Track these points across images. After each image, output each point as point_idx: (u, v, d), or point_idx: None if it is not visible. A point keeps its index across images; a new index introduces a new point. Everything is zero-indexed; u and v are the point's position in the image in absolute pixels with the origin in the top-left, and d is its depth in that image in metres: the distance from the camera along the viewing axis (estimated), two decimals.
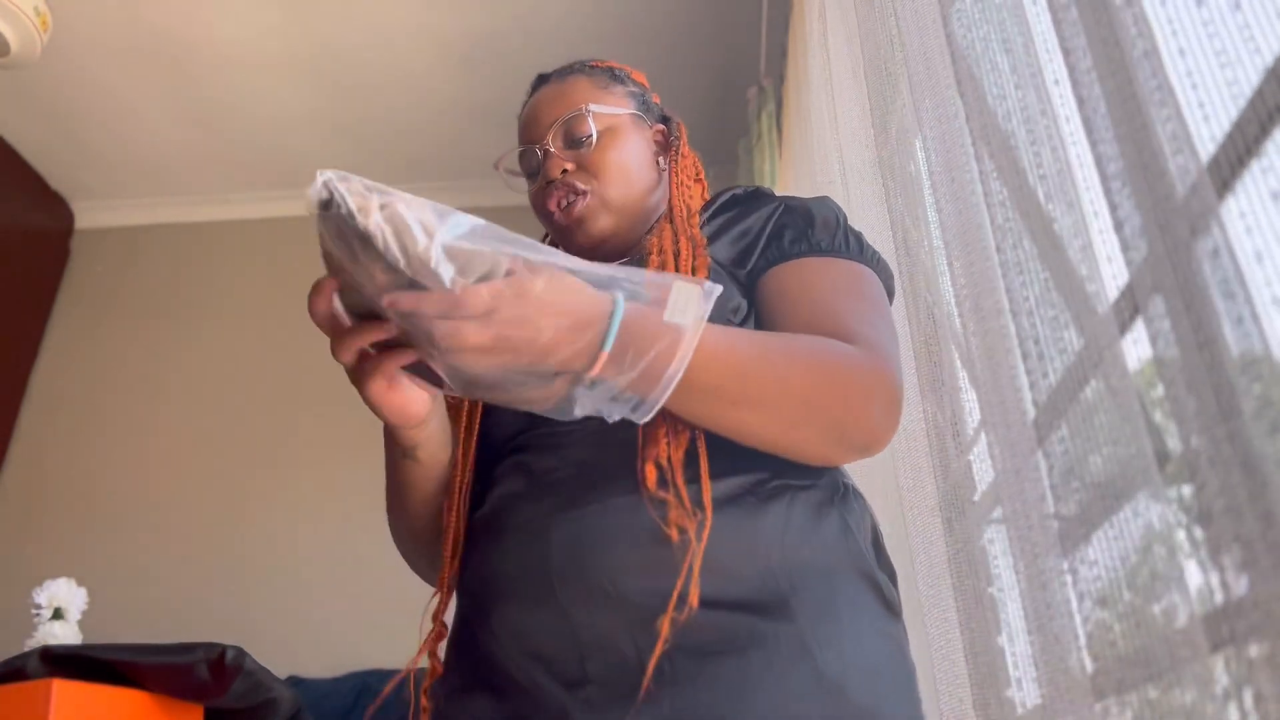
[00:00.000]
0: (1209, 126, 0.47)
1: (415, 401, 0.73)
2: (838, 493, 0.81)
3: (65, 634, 1.80)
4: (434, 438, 0.81)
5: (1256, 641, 0.39)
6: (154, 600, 2.74)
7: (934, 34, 0.80)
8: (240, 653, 0.72)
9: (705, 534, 0.72)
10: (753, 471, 0.78)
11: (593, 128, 0.97)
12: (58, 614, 1.82)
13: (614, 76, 1.05)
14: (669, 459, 0.75)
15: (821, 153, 1.70)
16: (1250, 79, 0.45)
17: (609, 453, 0.80)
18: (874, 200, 1.23)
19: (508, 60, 2.77)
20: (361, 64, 2.80)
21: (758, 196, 1.00)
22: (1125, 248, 0.50)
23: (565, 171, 0.96)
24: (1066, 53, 0.57)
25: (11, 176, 3.12)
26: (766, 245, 0.89)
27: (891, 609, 0.80)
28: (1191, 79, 0.48)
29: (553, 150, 0.98)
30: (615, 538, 0.75)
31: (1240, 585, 0.40)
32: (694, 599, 0.70)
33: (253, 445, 3.01)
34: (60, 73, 2.78)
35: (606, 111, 0.99)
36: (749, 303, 0.87)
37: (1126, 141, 0.50)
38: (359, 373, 0.68)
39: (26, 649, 1.66)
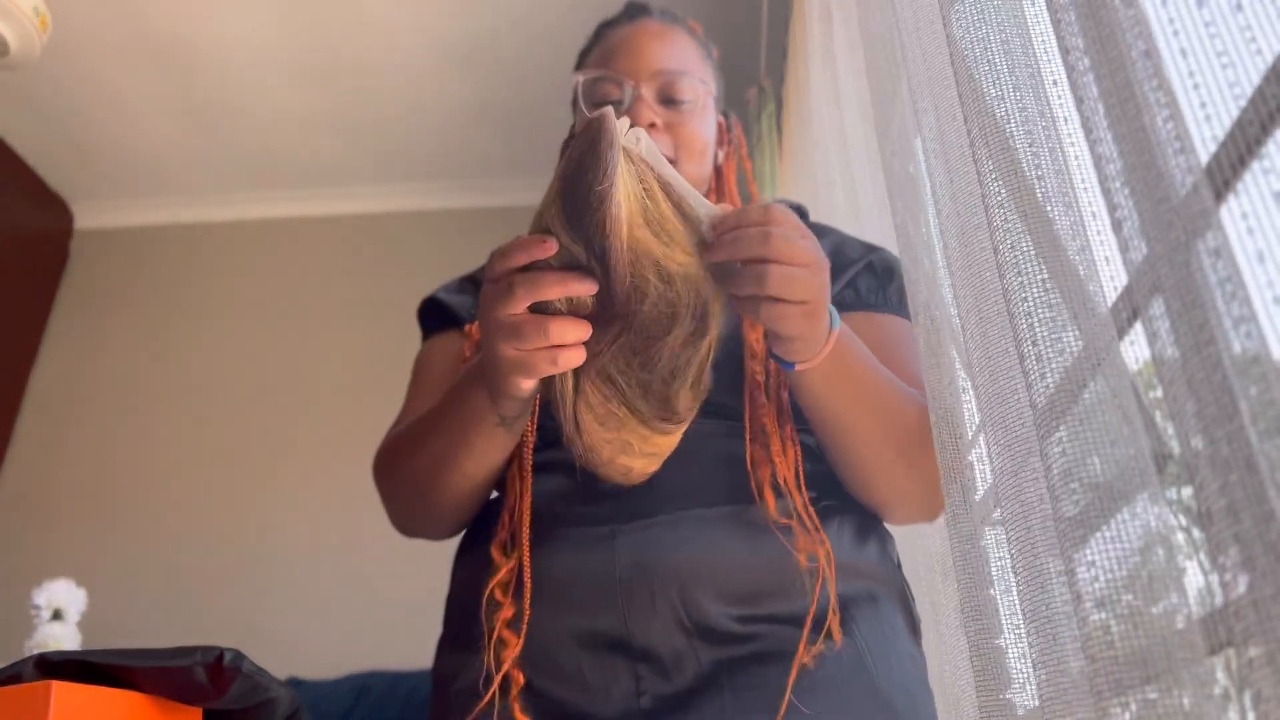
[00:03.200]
0: (1210, 127, 0.47)
1: None
2: (870, 516, 0.82)
3: (64, 635, 1.80)
4: (527, 409, 0.76)
5: (1255, 643, 0.39)
6: (154, 601, 2.73)
7: (933, 34, 0.80)
8: (238, 655, 0.72)
9: (832, 570, 0.73)
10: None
11: (695, 96, 0.90)
12: (57, 615, 1.82)
13: (708, 53, 1.00)
14: (784, 480, 0.74)
15: (822, 153, 1.69)
16: (1251, 79, 0.45)
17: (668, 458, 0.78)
18: (874, 200, 1.23)
19: (508, 60, 2.77)
20: (361, 64, 2.80)
21: (798, 215, 0.99)
22: (1124, 248, 0.50)
23: (653, 126, 0.89)
24: (1065, 52, 0.57)
25: (11, 177, 3.12)
26: (838, 284, 0.89)
27: (916, 631, 0.81)
28: (1193, 79, 0.47)
29: (644, 95, 0.89)
30: (685, 551, 0.73)
31: (1239, 586, 0.40)
32: (836, 632, 0.71)
33: (252, 445, 3.01)
34: (60, 73, 2.78)
35: (705, 86, 0.93)
36: None
37: (1125, 141, 0.50)
38: (529, 328, 0.62)
39: (26, 650, 1.66)
